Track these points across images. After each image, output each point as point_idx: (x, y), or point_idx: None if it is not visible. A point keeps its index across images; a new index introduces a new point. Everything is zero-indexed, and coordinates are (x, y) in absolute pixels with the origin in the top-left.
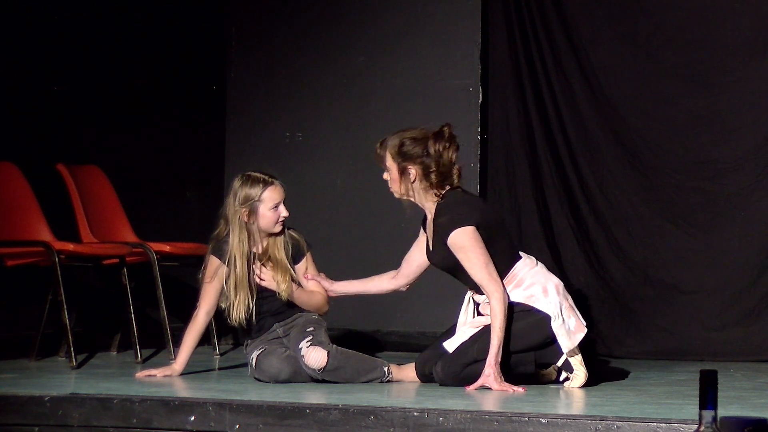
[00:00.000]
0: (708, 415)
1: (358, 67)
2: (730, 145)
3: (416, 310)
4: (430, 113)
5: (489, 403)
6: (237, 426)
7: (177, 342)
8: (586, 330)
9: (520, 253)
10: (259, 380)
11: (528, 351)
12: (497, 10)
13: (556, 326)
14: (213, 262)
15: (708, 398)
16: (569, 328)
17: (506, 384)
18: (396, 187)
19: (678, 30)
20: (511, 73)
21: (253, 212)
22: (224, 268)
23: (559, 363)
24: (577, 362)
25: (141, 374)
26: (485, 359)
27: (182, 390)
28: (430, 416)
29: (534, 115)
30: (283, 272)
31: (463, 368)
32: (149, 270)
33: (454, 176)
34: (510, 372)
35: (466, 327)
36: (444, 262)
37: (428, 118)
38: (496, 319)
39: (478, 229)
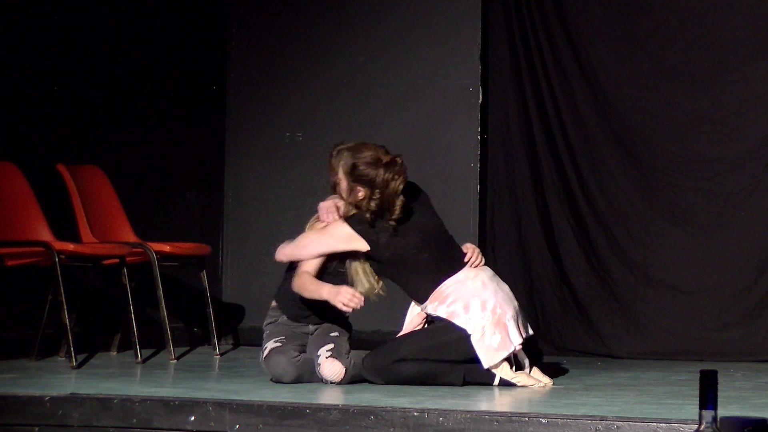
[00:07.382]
0: (708, 415)
1: (357, 67)
2: (730, 145)
3: None
4: (430, 113)
5: (489, 403)
6: (237, 426)
7: (177, 342)
8: (513, 348)
9: (465, 269)
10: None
11: (453, 363)
12: (497, 10)
13: (474, 341)
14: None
15: (708, 398)
16: (491, 345)
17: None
18: (343, 196)
19: (678, 30)
20: (511, 73)
21: None
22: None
23: (495, 382)
24: (509, 377)
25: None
26: (411, 359)
27: (182, 390)
28: (430, 416)
29: (534, 115)
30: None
31: (391, 363)
32: (149, 270)
33: (397, 207)
34: (438, 381)
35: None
36: (378, 267)
37: (428, 118)
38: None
39: (370, 245)
